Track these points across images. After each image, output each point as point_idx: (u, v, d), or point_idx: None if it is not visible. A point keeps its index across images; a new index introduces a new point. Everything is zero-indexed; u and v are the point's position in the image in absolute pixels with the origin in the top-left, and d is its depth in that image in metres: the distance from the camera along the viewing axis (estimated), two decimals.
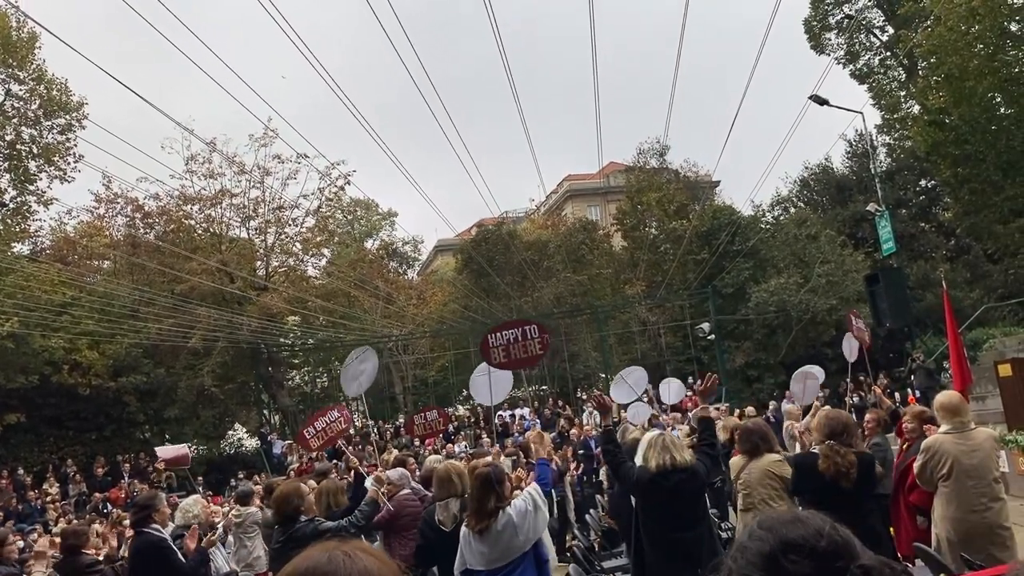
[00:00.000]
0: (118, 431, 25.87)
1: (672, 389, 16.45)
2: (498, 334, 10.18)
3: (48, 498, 19.05)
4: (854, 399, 21.81)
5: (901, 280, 19.53)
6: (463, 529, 5.07)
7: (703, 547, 5.53)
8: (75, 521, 13.75)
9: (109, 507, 18.55)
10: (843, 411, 6.18)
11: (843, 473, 5.28)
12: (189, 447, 21.91)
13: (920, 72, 25.81)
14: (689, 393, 25.03)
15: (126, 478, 21.56)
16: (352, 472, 7.17)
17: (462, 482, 5.81)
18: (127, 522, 9.28)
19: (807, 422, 10.31)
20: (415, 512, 6.78)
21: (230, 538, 8.73)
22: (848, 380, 23.69)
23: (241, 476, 21.14)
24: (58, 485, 20.37)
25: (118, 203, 28.29)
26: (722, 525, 8.21)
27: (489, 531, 4.84)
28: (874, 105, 32.96)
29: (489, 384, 10.53)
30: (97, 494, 20.04)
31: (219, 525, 8.14)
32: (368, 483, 7.00)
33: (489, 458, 8.32)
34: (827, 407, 10.24)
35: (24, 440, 23.73)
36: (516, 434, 21.10)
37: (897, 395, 18.96)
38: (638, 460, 5.68)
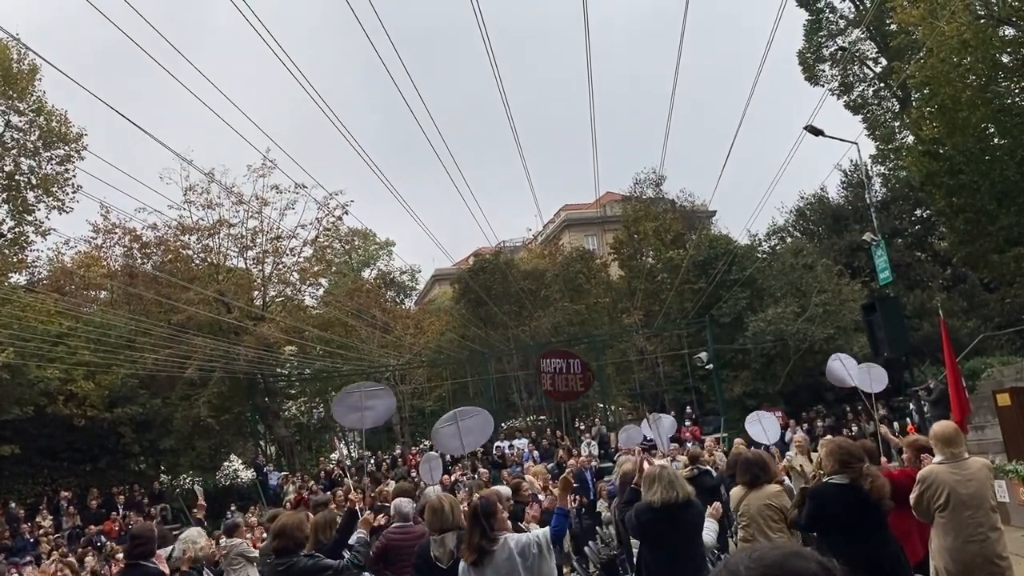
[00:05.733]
0: (113, 463, 25.66)
1: (663, 426, 15.57)
2: (548, 360, 10.19)
3: (41, 531, 18.84)
4: (852, 429, 21.74)
5: (898, 309, 19.51)
6: (461, 564, 5.02)
7: None
8: (68, 554, 13.63)
9: (103, 540, 18.40)
10: (851, 440, 6.11)
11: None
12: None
13: (913, 103, 26.02)
14: (687, 423, 24.96)
15: (120, 510, 21.37)
16: (347, 506, 7.01)
17: (454, 514, 5.71)
18: (119, 555, 9.18)
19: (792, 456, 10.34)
20: (401, 545, 6.70)
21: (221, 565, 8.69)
22: (848, 409, 23.63)
23: (234, 508, 20.94)
24: (51, 517, 20.15)
25: (116, 233, 28.30)
26: (722, 557, 8.14)
27: (490, 561, 4.79)
28: (869, 135, 33.26)
29: (459, 433, 9.72)
30: (91, 527, 19.85)
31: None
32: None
33: (500, 487, 8.29)
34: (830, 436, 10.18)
35: (18, 472, 23.49)
36: (513, 465, 20.91)
37: (896, 424, 18.91)
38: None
